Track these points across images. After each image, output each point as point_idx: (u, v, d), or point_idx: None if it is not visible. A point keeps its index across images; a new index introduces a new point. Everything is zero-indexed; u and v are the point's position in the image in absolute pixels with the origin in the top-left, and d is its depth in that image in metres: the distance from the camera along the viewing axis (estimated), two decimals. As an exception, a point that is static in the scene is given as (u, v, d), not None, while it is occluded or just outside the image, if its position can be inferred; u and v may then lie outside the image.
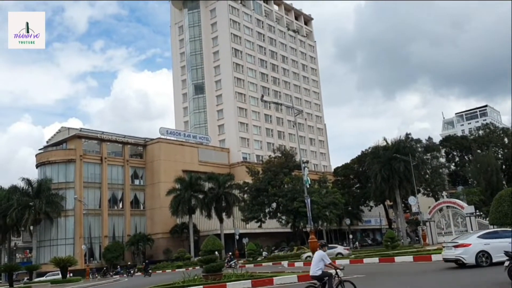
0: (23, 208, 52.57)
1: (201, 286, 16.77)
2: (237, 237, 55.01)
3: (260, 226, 58.03)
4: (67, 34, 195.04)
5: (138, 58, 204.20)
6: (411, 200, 46.87)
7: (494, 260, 15.81)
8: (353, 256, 31.28)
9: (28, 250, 68.70)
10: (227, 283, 17.00)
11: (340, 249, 36.83)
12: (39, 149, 64.84)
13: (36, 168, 61.18)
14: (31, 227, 55.67)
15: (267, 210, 55.03)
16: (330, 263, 10.72)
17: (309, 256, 29.01)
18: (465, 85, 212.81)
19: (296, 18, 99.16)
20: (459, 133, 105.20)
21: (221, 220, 55.23)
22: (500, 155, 63.78)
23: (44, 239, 56.77)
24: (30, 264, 53.07)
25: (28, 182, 54.93)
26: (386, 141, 54.70)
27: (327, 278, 10.53)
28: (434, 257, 22.27)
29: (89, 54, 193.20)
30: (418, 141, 65.06)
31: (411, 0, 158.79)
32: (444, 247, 18.41)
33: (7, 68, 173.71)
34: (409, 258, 24.01)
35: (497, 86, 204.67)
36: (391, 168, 50.68)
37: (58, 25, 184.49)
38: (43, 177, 56.91)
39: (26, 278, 50.82)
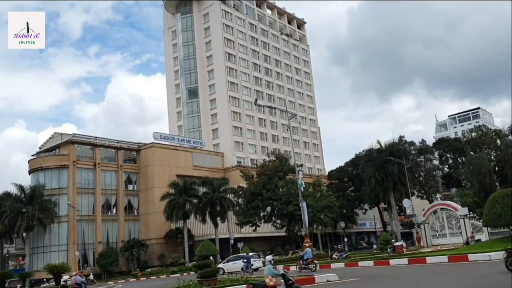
0: (16, 215, 52.05)
1: (196, 292, 16.65)
2: (232, 241, 54.83)
3: (255, 230, 57.88)
4: (62, 39, 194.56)
5: (132, 63, 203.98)
6: (405, 202, 47.05)
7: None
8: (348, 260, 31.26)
9: (21, 257, 67.98)
10: (222, 289, 16.89)
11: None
12: (32, 155, 64.23)
13: (29, 174, 60.61)
14: (24, 234, 55.13)
15: (261, 214, 54.96)
16: None
17: None
18: (459, 87, 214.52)
19: (289, 22, 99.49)
20: (452, 135, 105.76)
21: (215, 225, 55.01)
22: (493, 157, 64.20)
23: (37, 246, 56.13)
24: (23, 272, 52.55)
25: (21, 188, 54.42)
26: (380, 144, 54.93)
27: None
28: (429, 260, 22.32)
29: (83, 59, 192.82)
30: (412, 143, 65.40)
31: (403, 0, 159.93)
32: None
33: (1, 74, 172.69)
34: (404, 261, 24.01)
35: (491, 87, 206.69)
36: (385, 171, 50.84)
37: (53, 30, 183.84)
38: (36, 183, 56.29)
39: (19, 285, 50.37)
